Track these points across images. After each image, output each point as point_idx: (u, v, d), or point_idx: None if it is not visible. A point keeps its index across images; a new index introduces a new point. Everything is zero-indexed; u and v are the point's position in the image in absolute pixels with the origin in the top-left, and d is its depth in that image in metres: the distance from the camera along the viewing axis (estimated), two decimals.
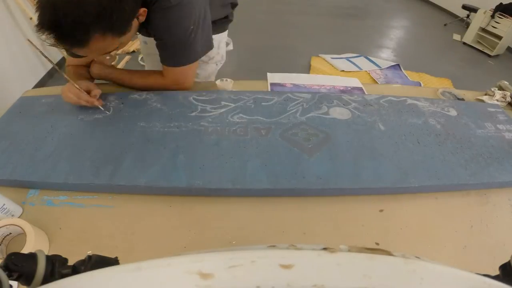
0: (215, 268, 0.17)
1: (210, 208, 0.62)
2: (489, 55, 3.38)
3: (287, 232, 0.59)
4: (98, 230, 0.58)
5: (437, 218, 0.61)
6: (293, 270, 0.17)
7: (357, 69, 2.83)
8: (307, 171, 0.64)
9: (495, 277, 0.25)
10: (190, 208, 0.62)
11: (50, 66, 2.57)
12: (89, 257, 0.29)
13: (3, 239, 0.54)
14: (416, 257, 0.19)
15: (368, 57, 3.08)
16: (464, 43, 3.67)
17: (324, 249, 0.18)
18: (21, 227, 0.53)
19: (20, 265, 0.26)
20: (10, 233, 0.55)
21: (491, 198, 0.66)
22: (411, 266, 0.17)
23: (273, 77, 1.02)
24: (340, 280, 0.17)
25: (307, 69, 2.87)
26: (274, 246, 0.20)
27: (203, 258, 0.18)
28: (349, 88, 0.98)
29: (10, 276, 0.25)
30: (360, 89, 0.99)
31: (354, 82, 1.03)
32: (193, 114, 0.77)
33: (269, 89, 0.95)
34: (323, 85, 0.99)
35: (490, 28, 3.38)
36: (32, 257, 0.27)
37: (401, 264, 0.18)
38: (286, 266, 0.17)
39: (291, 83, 0.98)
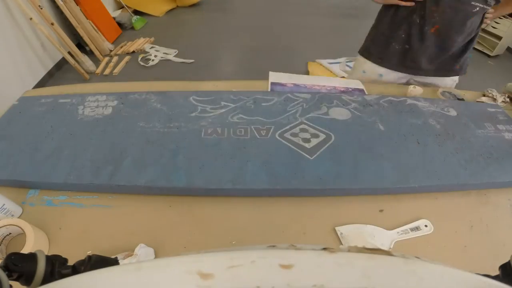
0: (215, 268, 0.17)
1: (210, 208, 0.62)
2: (489, 56, 3.38)
3: (287, 232, 0.59)
4: (98, 230, 0.58)
5: (437, 218, 0.61)
6: (293, 270, 0.17)
7: None
8: (307, 171, 0.64)
9: (495, 277, 0.25)
10: (190, 208, 0.62)
11: (50, 66, 2.57)
12: (89, 257, 0.29)
13: (3, 239, 0.54)
14: (416, 257, 0.19)
15: None
16: None
17: (324, 249, 0.18)
18: (21, 227, 0.53)
19: (20, 265, 0.27)
20: (10, 233, 0.55)
21: (491, 198, 0.66)
22: (410, 266, 0.17)
23: (275, 76, 1.02)
24: (340, 280, 0.17)
25: (305, 71, 2.86)
26: (274, 246, 0.20)
27: (203, 258, 0.18)
28: (350, 89, 0.98)
29: (10, 276, 0.25)
30: (361, 90, 0.98)
31: (355, 83, 1.02)
32: (193, 114, 0.77)
33: (269, 88, 0.95)
34: (324, 86, 0.99)
35: (489, 28, 3.38)
36: (32, 257, 0.28)
37: (401, 264, 0.18)
38: (286, 266, 0.17)
39: (292, 83, 0.97)
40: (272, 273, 0.17)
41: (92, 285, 0.17)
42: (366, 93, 0.97)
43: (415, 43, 1.01)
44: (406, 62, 1.08)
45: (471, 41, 1.03)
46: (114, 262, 0.31)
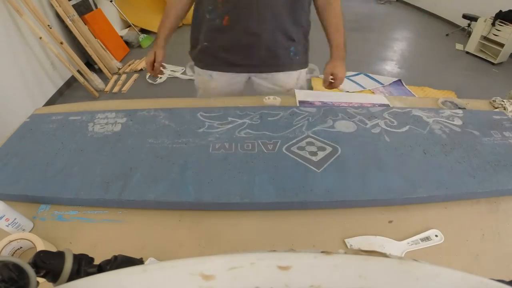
0: (216, 269, 0.18)
1: (218, 222, 0.62)
2: (492, 63, 3.38)
3: (296, 245, 0.59)
4: (108, 244, 0.58)
5: (447, 227, 0.61)
6: (291, 271, 0.18)
7: (360, 88, 2.76)
8: (314, 184, 0.64)
9: (509, 283, 0.25)
10: (199, 222, 0.62)
11: (60, 84, 2.63)
12: (115, 257, 0.30)
13: (14, 253, 0.55)
14: (414, 259, 0.19)
15: (368, 74, 3.01)
16: (467, 52, 3.68)
17: (322, 252, 0.19)
18: (31, 241, 0.53)
19: (48, 262, 0.27)
20: (21, 247, 0.56)
21: (501, 206, 0.65)
22: (406, 267, 0.18)
23: (301, 95, 1.02)
24: (337, 280, 0.17)
25: (309, 86, 2.87)
26: (274, 251, 0.21)
27: (205, 260, 0.18)
28: (377, 105, 0.96)
29: (37, 273, 0.26)
30: (387, 105, 0.96)
31: (381, 99, 1.01)
32: (201, 130, 0.79)
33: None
34: (351, 103, 0.98)
35: (491, 36, 3.38)
36: (60, 255, 0.28)
37: (396, 265, 0.18)
38: (284, 268, 0.18)
39: (319, 101, 0.97)
40: (271, 274, 0.18)
41: (100, 285, 0.18)
42: (391, 106, 0.96)
43: (211, 39, 0.95)
44: (219, 60, 1.00)
45: (290, 36, 0.96)
46: (138, 262, 0.31)
